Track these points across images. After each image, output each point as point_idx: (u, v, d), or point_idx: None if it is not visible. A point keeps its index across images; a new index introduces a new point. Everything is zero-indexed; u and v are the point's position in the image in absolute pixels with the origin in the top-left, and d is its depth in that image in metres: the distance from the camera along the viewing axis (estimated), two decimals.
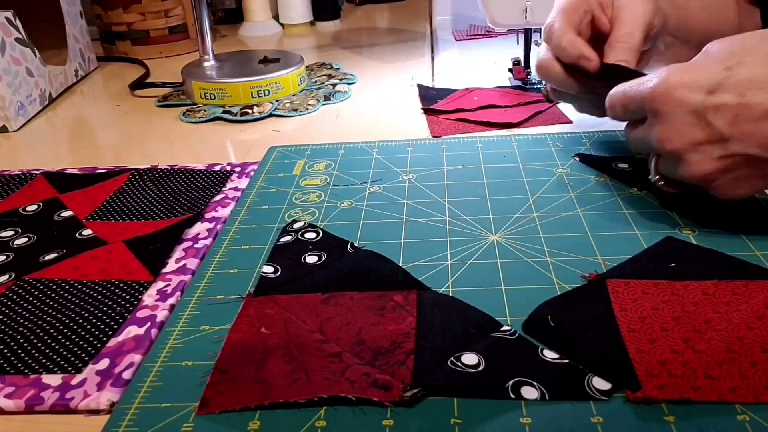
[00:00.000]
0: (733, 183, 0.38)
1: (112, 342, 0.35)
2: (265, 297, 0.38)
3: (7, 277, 0.42)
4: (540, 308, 0.35)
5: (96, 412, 0.31)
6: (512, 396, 0.30)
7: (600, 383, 0.30)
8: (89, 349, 0.35)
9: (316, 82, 0.81)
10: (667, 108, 0.37)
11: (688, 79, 0.37)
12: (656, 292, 0.35)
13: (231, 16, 1.20)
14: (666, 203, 0.45)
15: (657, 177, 0.42)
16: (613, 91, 0.43)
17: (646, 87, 0.39)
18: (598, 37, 0.51)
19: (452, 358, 0.31)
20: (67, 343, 0.35)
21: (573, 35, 0.50)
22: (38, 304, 0.39)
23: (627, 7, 0.50)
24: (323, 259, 0.41)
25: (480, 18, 0.97)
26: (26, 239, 0.47)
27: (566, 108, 0.65)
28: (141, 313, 0.38)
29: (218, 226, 0.47)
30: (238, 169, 0.57)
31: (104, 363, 0.34)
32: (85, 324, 0.37)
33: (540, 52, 0.53)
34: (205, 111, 0.72)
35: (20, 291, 0.40)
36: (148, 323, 0.37)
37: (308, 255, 0.42)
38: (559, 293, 0.36)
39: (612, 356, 0.31)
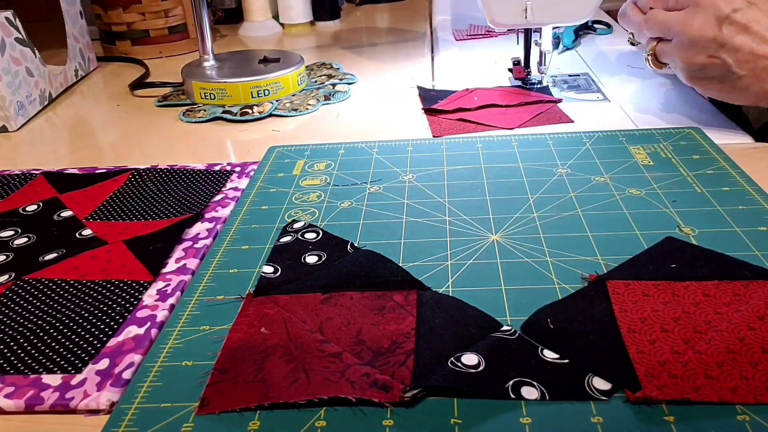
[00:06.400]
0: (700, 78, 0.55)
1: (112, 342, 0.35)
2: (265, 297, 0.38)
3: (7, 277, 0.42)
4: (539, 311, 0.35)
5: (96, 412, 0.32)
6: (512, 396, 0.30)
7: (600, 383, 0.30)
8: (89, 349, 0.35)
9: (316, 82, 0.81)
10: (704, 5, 0.51)
11: None
12: (657, 294, 0.35)
13: (231, 16, 1.20)
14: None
15: (650, 54, 0.58)
16: None
17: None
18: None
19: (452, 358, 0.31)
20: (67, 343, 0.35)
21: None
22: (38, 304, 0.39)
23: None
24: (323, 259, 0.41)
25: (480, 18, 0.97)
26: (26, 239, 0.47)
27: (567, 108, 0.65)
28: (141, 313, 0.38)
29: (218, 226, 0.47)
30: (238, 169, 0.56)
31: (104, 363, 0.34)
32: (85, 324, 0.37)
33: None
34: (205, 111, 0.72)
35: (20, 291, 0.40)
36: (148, 323, 0.37)
37: (308, 255, 0.42)
38: (559, 293, 0.36)
39: (612, 356, 0.31)
